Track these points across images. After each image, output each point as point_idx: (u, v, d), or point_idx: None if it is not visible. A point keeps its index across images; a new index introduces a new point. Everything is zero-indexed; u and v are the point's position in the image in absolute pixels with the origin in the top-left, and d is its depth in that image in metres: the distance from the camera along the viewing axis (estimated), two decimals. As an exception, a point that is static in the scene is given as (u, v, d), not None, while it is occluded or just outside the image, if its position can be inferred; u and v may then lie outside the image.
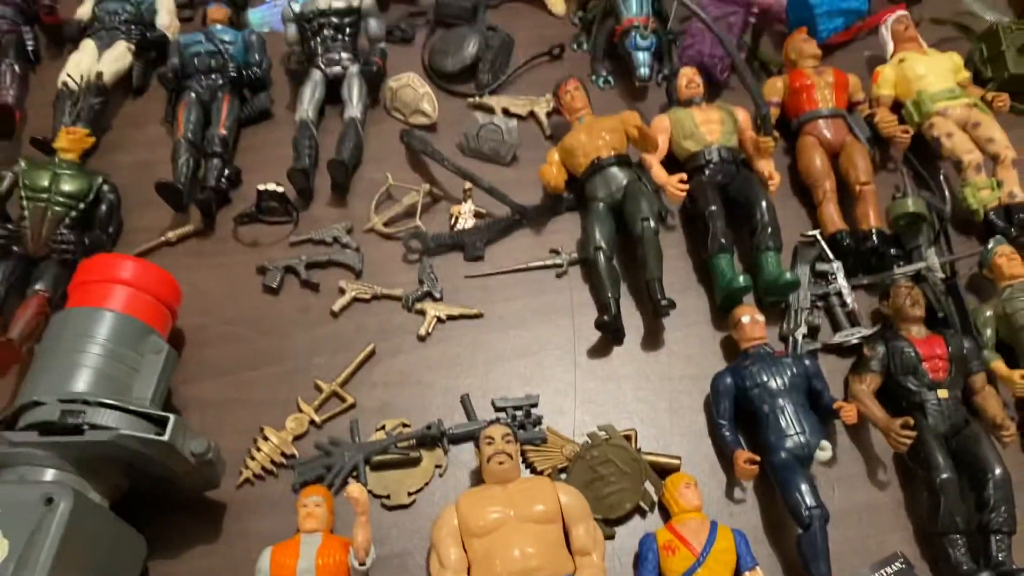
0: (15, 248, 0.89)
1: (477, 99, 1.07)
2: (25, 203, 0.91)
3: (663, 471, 0.83)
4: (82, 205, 0.92)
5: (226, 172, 0.98)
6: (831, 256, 0.95)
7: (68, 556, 0.66)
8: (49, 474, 0.71)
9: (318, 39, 1.05)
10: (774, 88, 1.06)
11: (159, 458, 0.71)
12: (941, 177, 1.00)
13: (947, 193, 0.99)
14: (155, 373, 0.78)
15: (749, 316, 0.88)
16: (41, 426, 0.71)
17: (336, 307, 0.92)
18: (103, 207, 0.94)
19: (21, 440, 0.71)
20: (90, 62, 1.04)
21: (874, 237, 0.95)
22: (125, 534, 0.73)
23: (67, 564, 0.65)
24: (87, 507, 0.68)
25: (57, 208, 0.91)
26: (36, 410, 0.72)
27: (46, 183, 0.91)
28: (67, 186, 0.92)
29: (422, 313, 0.92)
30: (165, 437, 0.70)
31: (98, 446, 0.70)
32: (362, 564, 0.73)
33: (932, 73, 1.05)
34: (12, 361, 0.81)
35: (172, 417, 0.71)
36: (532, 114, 1.07)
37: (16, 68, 1.04)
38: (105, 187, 0.94)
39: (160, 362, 0.79)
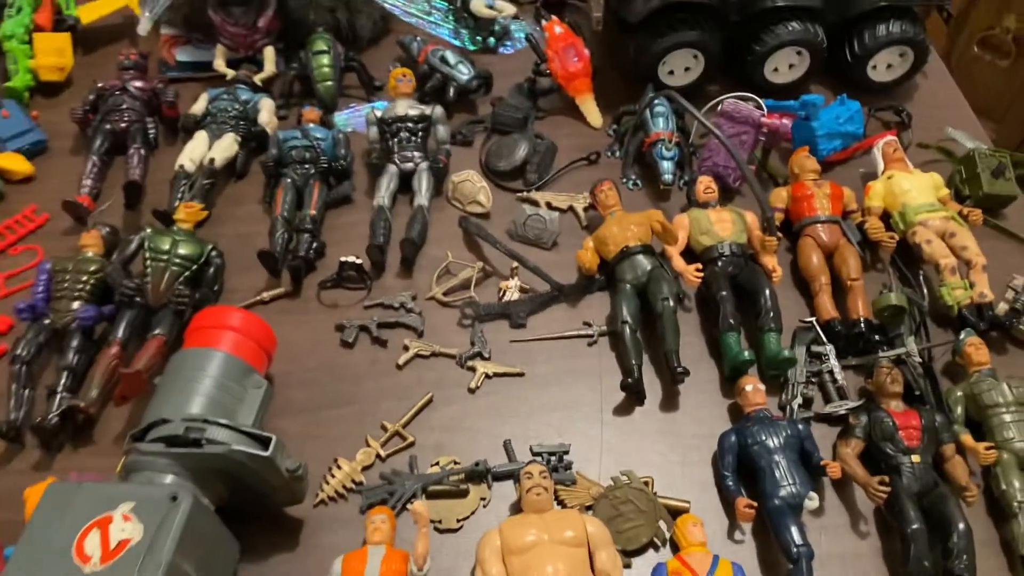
0: (138, 299, 1.07)
1: (525, 194, 1.25)
2: (148, 262, 1.09)
3: (675, 512, 0.97)
4: (195, 266, 1.10)
5: (314, 245, 1.17)
6: (825, 340, 1.11)
7: (186, 544, 0.80)
8: (169, 478, 0.86)
9: (395, 140, 1.25)
10: (779, 196, 1.23)
11: (260, 471, 0.87)
12: (921, 277, 1.16)
13: (926, 291, 1.15)
14: (256, 404, 0.94)
15: (752, 385, 1.03)
16: (166, 439, 0.87)
17: (401, 361, 1.09)
18: (211, 269, 1.12)
19: (149, 450, 0.87)
20: (203, 149, 1.24)
21: (862, 325, 1.10)
22: (225, 536, 0.88)
23: (185, 551, 0.80)
24: (200, 507, 0.83)
25: (175, 268, 1.09)
26: (163, 427, 0.87)
27: (167, 247, 1.09)
28: (183, 250, 1.10)
29: (472, 369, 1.08)
30: (267, 453, 0.86)
31: (212, 458, 0.86)
32: (420, 570, 0.88)
33: (916, 189, 1.22)
34: (139, 389, 0.98)
35: (273, 438, 0.87)
36: (571, 208, 1.25)
37: (142, 152, 1.25)
38: (213, 252, 1.13)
39: (260, 396, 0.95)
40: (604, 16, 1.37)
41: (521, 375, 1.08)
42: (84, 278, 1.09)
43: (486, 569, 0.88)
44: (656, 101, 1.30)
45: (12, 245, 1.19)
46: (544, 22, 1.38)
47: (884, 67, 1.41)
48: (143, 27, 1.35)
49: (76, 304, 1.07)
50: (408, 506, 0.96)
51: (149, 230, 1.11)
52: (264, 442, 0.87)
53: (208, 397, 0.92)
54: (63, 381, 1.02)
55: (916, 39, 1.37)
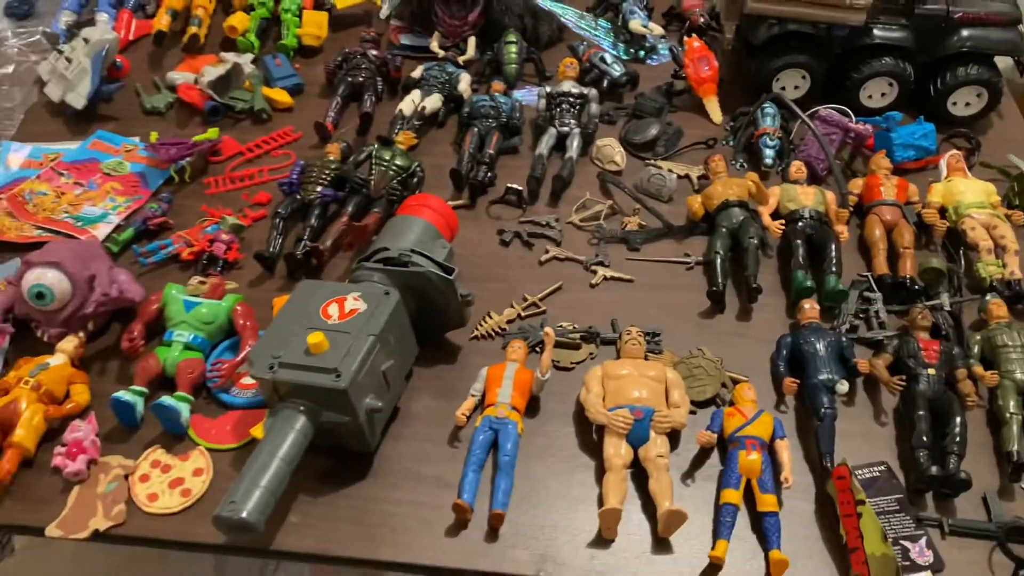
0: (364, 190, 1.48)
1: (653, 160, 1.62)
2: (373, 166, 1.50)
3: (735, 383, 1.28)
4: (404, 175, 1.50)
5: (488, 174, 1.56)
6: (875, 288, 1.40)
7: (391, 323, 1.17)
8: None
9: (558, 109, 1.64)
10: (855, 184, 1.54)
11: (444, 291, 1.24)
12: (962, 253, 1.45)
13: (963, 264, 1.43)
14: (442, 257, 1.32)
15: (810, 304, 1.33)
16: (384, 261, 1.26)
17: (542, 259, 1.45)
18: (415, 179, 1.53)
19: (371, 267, 1.26)
20: (416, 101, 1.67)
21: (908, 281, 1.40)
22: (411, 336, 1.25)
23: (390, 327, 1.17)
24: (400, 305, 1.21)
25: (391, 172, 1.50)
26: (383, 253, 1.27)
27: (388, 157, 1.51)
28: (399, 161, 1.51)
29: (594, 272, 1.43)
30: (452, 277, 1.24)
31: (413, 276, 1.23)
32: (543, 376, 1.22)
33: (970, 191, 1.50)
34: (363, 240, 1.38)
35: (456, 269, 1.25)
36: (687, 176, 1.60)
37: (373, 99, 1.68)
38: (418, 167, 1.53)
39: (445, 253, 1.33)
40: (733, 40, 1.74)
41: (631, 281, 1.43)
42: (327, 172, 1.51)
43: (589, 385, 1.22)
44: (766, 104, 1.64)
45: (274, 149, 1.63)
46: (686, 38, 1.75)
47: (963, 104, 1.70)
48: (384, 11, 1.82)
49: (319, 188, 1.50)
50: (541, 332, 1.30)
51: (376, 145, 1.53)
52: (449, 272, 1.25)
53: (413, 242, 1.31)
54: (306, 234, 1.43)
55: (992, 82, 1.66)
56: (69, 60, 1.63)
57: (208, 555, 1.60)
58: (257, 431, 1.14)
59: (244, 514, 1.02)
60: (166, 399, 1.18)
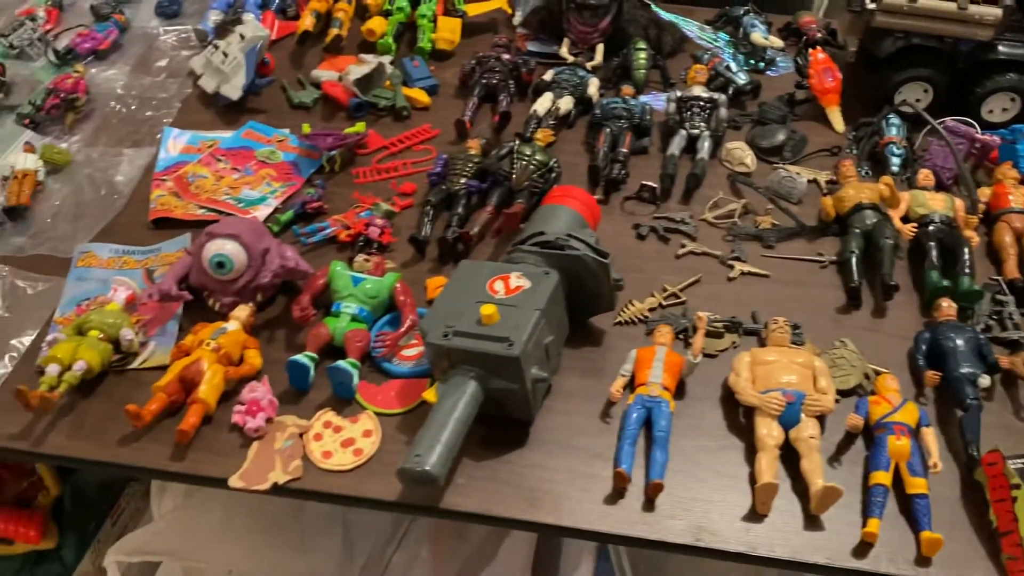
0: (506, 182, 1.56)
1: (781, 163, 1.67)
2: (515, 160, 1.57)
3: (877, 373, 1.32)
4: (543, 169, 1.58)
5: (623, 172, 1.63)
6: (1007, 291, 1.44)
7: (551, 301, 1.23)
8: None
9: (688, 112, 1.70)
10: (983, 193, 1.58)
11: (598, 274, 1.29)
12: (1093, 262, 1.48)
13: (1099, 271, 1.46)
14: (592, 242, 1.39)
15: (947, 303, 1.37)
16: (540, 244, 1.33)
17: (679, 252, 1.51)
18: (552, 174, 1.60)
19: (528, 250, 1.32)
20: (548, 104, 1.75)
21: (1040, 286, 1.43)
22: (565, 316, 1.32)
23: (551, 305, 1.23)
24: (559, 285, 1.27)
25: (531, 166, 1.57)
26: (539, 237, 1.33)
27: (528, 152, 1.58)
28: (539, 156, 1.58)
29: (731, 267, 1.49)
30: (607, 260, 1.30)
31: (570, 259, 1.29)
32: (695, 358, 1.28)
33: (1100, 202, 1.54)
34: (512, 226, 1.45)
35: (610, 253, 1.31)
36: (815, 180, 1.65)
37: (508, 99, 1.77)
38: (555, 163, 1.60)
39: (593, 239, 1.39)
40: (855, 52, 1.80)
41: (767, 276, 1.48)
42: (470, 165, 1.59)
43: (738, 370, 1.27)
44: (891, 114, 1.69)
45: (416, 144, 1.72)
46: (810, 50, 1.81)
47: (1088, 121, 1.74)
48: (517, 19, 1.92)
49: (463, 179, 1.57)
50: (684, 320, 1.35)
51: (518, 141, 1.60)
52: (604, 255, 1.31)
53: (563, 228, 1.37)
54: (453, 221, 1.51)
55: (1118, 100, 1.69)
56: (225, 55, 1.74)
57: (338, 528, 1.67)
58: (429, 395, 1.21)
59: (428, 466, 1.08)
60: (341, 363, 1.25)
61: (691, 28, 1.95)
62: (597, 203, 1.50)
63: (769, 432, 1.20)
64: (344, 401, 1.29)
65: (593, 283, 1.32)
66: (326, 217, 1.55)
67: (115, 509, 2.27)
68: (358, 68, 1.77)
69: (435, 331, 1.20)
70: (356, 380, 1.27)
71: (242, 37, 1.75)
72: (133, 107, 1.77)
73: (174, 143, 1.69)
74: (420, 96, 1.80)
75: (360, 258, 1.40)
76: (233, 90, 1.73)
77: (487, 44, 1.93)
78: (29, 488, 2.28)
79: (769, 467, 1.17)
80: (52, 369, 1.25)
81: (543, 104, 1.73)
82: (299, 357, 1.27)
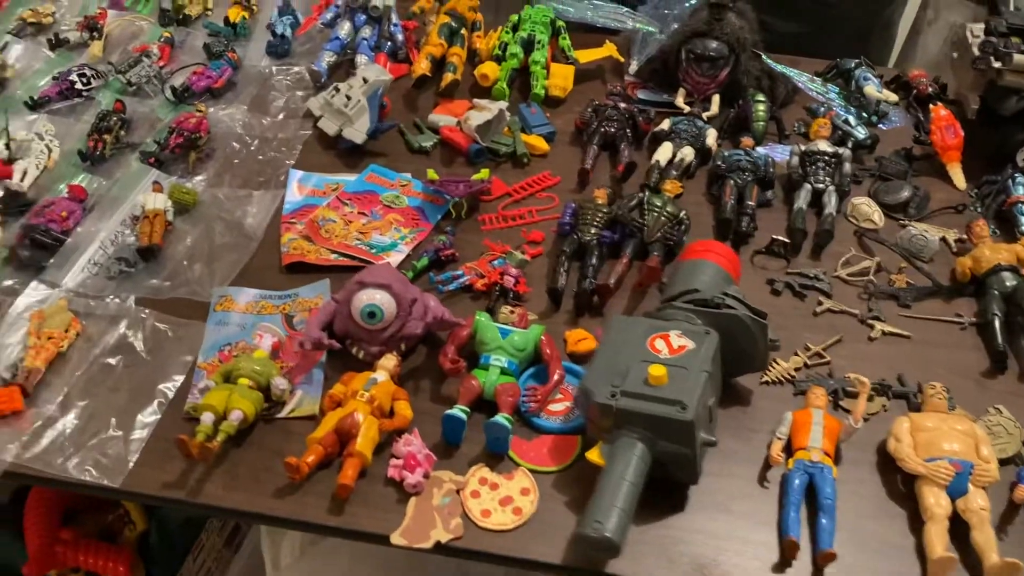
0: (638, 234, 1.55)
1: (907, 221, 1.66)
2: (646, 212, 1.57)
3: (1033, 443, 1.30)
4: (674, 220, 1.58)
5: (752, 225, 1.62)
6: None
7: (714, 363, 1.23)
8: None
9: (812, 167, 1.70)
10: (1119, 255, 1.57)
11: (755, 335, 1.28)
12: None
13: None
14: (740, 299, 1.37)
15: (1101, 370, 1.36)
16: (695, 302, 1.32)
17: (817, 309, 1.50)
18: (682, 226, 1.59)
19: (682, 307, 1.31)
20: (668, 154, 1.74)
21: None
22: (720, 376, 1.30)
23: (714, 366, 1.23)
24: (717, 346, 1.26)
25: (663, 217, 1.57)
26: (693, 295, 1.32)
27: (659, 203, 1.57)
28: (669, 208, 1.58)
29: (870, 327, 1.47)
30: (765, 321, 1.29)
31: (727, 318, 1.27)
32: (855, 423, 1.26)
33: None
34: (654, 280, 1.45)
35: (767, 313, 1.30)
36: (943, 238, 1.64)
37: (629, 148, 1.77)
38: (684, 215, 1.60)
39: (739, 294, 1.38)
40: (975, 109, 1.79)
41: (908, 337, 1.46)
42: (599, 215, 1.58)
43: (899, 436, 1.24)
44: (1017, 173, 1.68)
45: (538, 192, 1.72)
46: (932, 106, 1.80)
47: None
48: (633, 68, 1.92)
49: (594, 229, 1.57)
50: (851, 376, 1.34)
51: (647, 193, 1.60)
52: (762, 316, 1.30)
53: (708, 284, 1.36)
54: (589, 273, 1.50)
55: None
56: (348, 97, 1.74)
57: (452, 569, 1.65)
58: (593, 456, 1.19)
59: (608, 533, 1.07)
60: (499, 418, 1.24)
61: (801, 79, 1.95)
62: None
63: (937, 502, 1.18)
64: (495, 456, 1.27)
65: (748, 343, 1.30)
66: (458, 265, 1.54)
67: (196, 545, 2.26)
68: (479, 114, 1.77)
69: (601, 390, 1.19)
70: (511, 436, 1.26)
71: (365, 80, 1.76)
72: (252, 147, 1.78)
73: (299, 186, 1.69)
74: (539, 143, 1.80)
75: (506, 309, 1.39)
76: (357, 134, 1.73)
77: (595, 91, 1.94)
78: (115, 521, 2.27)
79: (940, 539, 1.15)
80: (207, 418, 1.24)
81: (664, 154, 1.73)
82: (455, 411, 1.26)
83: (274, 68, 1.98)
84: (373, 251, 1.55)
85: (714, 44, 1.84)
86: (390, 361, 1.33)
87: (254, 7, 2.12)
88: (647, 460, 1.16)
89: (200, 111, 1.77)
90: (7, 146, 1.69)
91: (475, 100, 1.86)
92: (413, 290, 1.38)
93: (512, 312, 1.39)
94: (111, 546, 2.16)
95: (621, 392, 1.17)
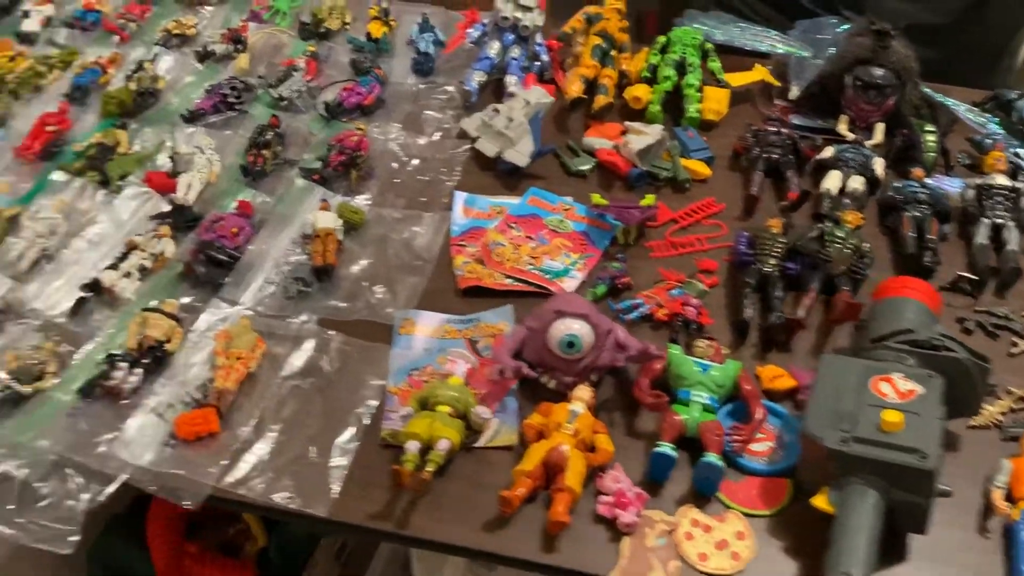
0: (823, 267, 1.51)
1: (1095, 260, 1.60)
2: (828, 243, 1.52)
3: None
4: (857, 252, 1.52)
5: (935, 260, 1.56)
6: None
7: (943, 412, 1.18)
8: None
9: (990, 201, 1.65)
10: None
11: (975, 379, 1.24)
12: None
13: None
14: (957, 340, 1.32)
15: None
16: (909, 343, 1.27)
17: (1012, 351, 1.45)
18: (866, 259, 1.54)
19: (897, 347, 1.26)
20: (837, 183, 1.70)
21: None
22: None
23: (944, 413, 1.18)
24: (941, 391, 1.21)
25: (846, 250, 1.51)
26: (908, 335, 1.28)
27: (842, 235, 1.52)
28: (852, 240, 1.53)
29: (1069, 370, 1.42)
30: (989, 366, 1.24)
31: (947, 361, 1.23)
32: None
33: None
34: (852, 317, 1.41)
35: (989, 358, 1.25)
36: None
37: (798, 177, 1.72)
38: (867, 247, 1.55)
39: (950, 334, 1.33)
40: None
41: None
42: (779, 245, 1.54)
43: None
44: None
45: (705, 218, 1.68)
46: (1111, 141, 1.75)
47: None
48: (794, 93, 1.88)
49: (773, 260, 1.52)
50: None
51: (829, 224, 1.56)
52: (985, 360, 1.25)
53: (916, 323, 1.31)
54: (776, 306, 1.46)
55: None
56: (510, 119, 1.72)
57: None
58: (820, 503, 1.15)
59: (860, 583, 1.02)
60: (712, 458, 1.20)
61: (959, 108, 1.90)
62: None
63: None
64: (702, 497, 1.23)
65: (966, 387, 1.26)
66: (633, 293, 1.51)
67: (309, 563, 2.24)
68: (638, 138, 1.74)
69: (830, 435, 1.14)
70: (723, 477, 1.22)
71: (527, 102, 1.73)
72: (410, 167, 1.76)
73: (465, 207, 1.66)
74: (700, 168, 1.76)
75: (703, 343, 1.35)
76: (520, 156, 1.71)
77: (745, 115, 1.90)
78: (236, 536, 2.26)
79: None
80: (412, 446, 1.22)
81: (834, 183, 1.69)
82: (665, 449, 1.22)
83: (421, 86, 1.95)
84: (548, 276, 1.52)
85: (881, 72, 1.79)
86: (586, 392, 1.30)
87: (392, 22, 2.11)
88: (881, 509, 1.11)
89: (360, 129, 1.75)
90: (171, 159, 1.69)
91: (629, 123, 1.83)
92: (605, 320, 1.35)
93: (709, 346, 1.35)
94: (235, 561, 2.15)
95: (853, 438, 1.13)
